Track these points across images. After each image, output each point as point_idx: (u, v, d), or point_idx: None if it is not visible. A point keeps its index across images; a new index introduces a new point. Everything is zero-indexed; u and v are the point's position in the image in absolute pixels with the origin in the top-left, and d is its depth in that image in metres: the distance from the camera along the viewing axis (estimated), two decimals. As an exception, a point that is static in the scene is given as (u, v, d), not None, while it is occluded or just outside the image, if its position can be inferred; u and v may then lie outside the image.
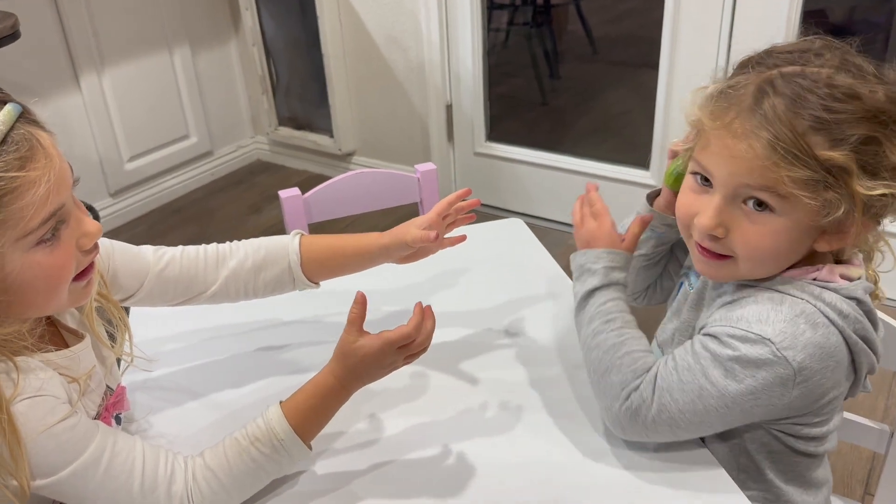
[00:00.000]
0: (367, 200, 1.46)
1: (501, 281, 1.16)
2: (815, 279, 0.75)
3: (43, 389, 0.68)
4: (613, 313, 0.82)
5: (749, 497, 0.75)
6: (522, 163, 2.56)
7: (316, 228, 1.41)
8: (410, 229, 0.93)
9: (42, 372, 0.69)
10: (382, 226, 1.00)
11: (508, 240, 1.31)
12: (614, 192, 2.40)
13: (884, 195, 0.68)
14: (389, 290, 1.13)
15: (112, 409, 0.81)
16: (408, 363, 0.80)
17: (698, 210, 0.74)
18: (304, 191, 1.31)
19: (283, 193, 1.37)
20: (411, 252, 0.95)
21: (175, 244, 0.93)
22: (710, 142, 0.73)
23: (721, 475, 0.77)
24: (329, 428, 0.79)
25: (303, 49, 2.83)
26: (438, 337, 0.99)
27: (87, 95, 2.46)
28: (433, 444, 0.84)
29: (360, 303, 0.78)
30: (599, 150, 2.56)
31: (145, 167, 2.70)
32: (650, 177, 2.33)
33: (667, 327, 0.91)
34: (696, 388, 0.73)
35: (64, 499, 0.71)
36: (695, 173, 0.76)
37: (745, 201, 0.72)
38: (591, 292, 0.84)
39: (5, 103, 0.64)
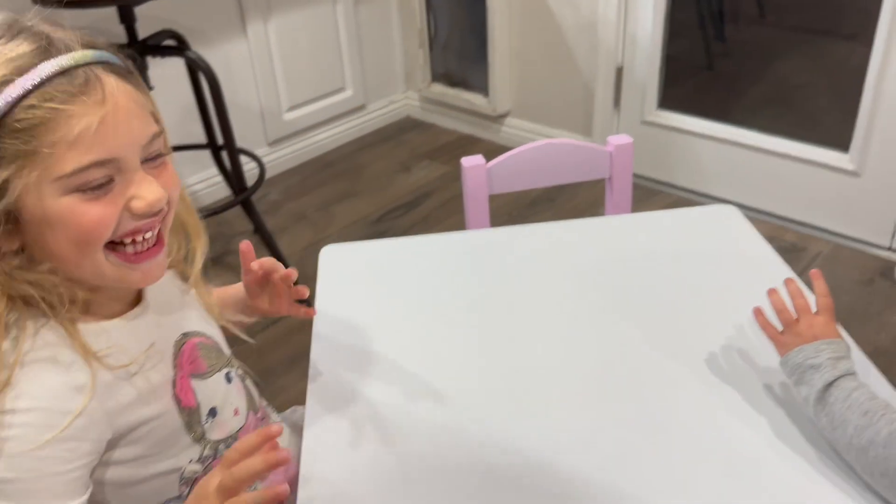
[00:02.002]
0: (551, 174, 1.34)
1: (715, 277, 1.02)
2: None
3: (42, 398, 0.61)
4: (866, 403, 0.71)
5: None
6: (694, 134, 2.35)
7: (495, 200, 1.32)
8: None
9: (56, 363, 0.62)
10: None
11: (719, 229, 1.16)
12: (801, 175, 2.16)
13: None
14: (555, 304, 1.02)
15: (188, 368, 0.74)
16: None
17: None
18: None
19: (466, 161, 1.28)
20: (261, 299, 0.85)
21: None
22: None
23: None
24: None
25: (465, 2, 2.72)
26: (630, 360, 0.88)
27: (253, 44, 2.46)
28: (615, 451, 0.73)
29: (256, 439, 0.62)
30: (777, 125, 2.30)
31: (302, 118, 2.70)
32: (849, 161, 2.06)
33: None
34: None
35: None
36: None
37: None
38: (827, 388, 0.73)
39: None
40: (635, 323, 0.93)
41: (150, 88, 1.87)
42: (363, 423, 0.80)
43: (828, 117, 2.14)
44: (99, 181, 0.61)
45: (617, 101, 2.46)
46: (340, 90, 2.80)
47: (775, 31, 3.62)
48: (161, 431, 0.70)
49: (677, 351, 0.88)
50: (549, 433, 0.78)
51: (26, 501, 0.60)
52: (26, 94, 0.58)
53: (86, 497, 0.63)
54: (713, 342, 0.88)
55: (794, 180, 2.17)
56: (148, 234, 0.66)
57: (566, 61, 2.52)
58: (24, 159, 0.58)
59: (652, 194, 2.45)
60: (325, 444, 0.77)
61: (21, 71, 0.58)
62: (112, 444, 0.66)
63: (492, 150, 2.72)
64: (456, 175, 2.63)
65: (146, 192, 0.63)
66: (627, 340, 0.90)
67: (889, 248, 2.06)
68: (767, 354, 0.84)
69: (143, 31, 1.82)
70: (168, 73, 1.99)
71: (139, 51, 1.74)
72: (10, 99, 0.57)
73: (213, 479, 0.61)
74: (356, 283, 1.06)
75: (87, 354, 0.64)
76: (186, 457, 0.72)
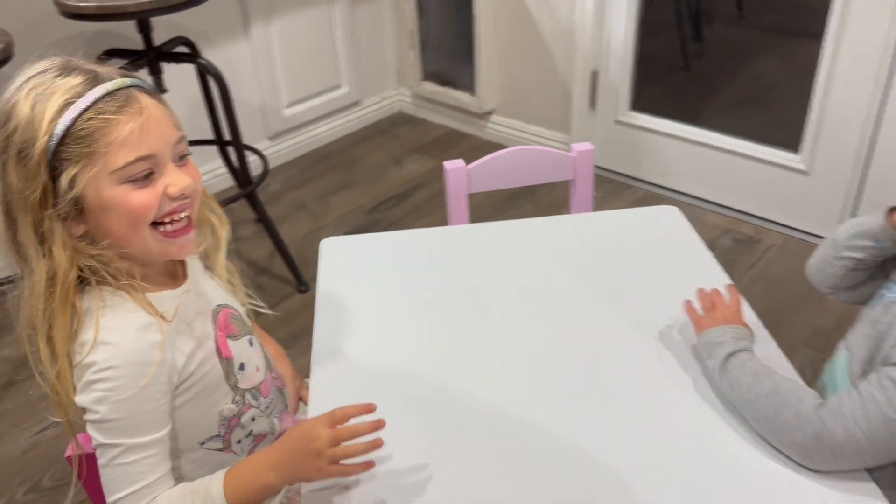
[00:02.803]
0: (524, 175, 1.54)
1: (657, 267, 1.21)
2: None
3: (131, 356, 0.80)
4: (757, 368, 0.90)
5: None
6: (662, 134, 2.55)
7: (473, 198, 1.51)
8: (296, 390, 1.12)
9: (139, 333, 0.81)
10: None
11: (663, 227, 1.35)
12: (757, 174, 2.36)
13: None
14: (526, 287, 1.22)
15: (224, 330, 0.93)
16: (339, 466, 0.80)
17: None
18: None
19: (448, 164, 1.47)
20: None
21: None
22: None
23: (871, 488, 0.82)
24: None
25: (453, 8, 2.89)
26: (586, 333, 1.08)
27: (256, 44, 2.64)
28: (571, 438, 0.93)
29: (359, 409, 0.82)
30: (745, 125, 2.50)
31: (301, 114, 2.88)
32: (799, 161, 2.27)
33: (858, 332, 0.95)
34: (883, 419, 0.79)
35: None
36: None
37: None
38: (727, 358, 0.92)
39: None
40: (591, 304, 1.13)
41: (165, 91, 2.05)
42: (360, 385, 1.00)
43: (793, 117, 2.31)
44: (143, 173, 0.79)
45: (593, 102, 2.66)
46: (337, 87, 2.99)
47: (752, 31, 3.75)
48: (208, 378, 0.89)
49: (624, 328, 1.08)
50: (522, 393, 0.97)
51: (133, 433, 0.80)
52: (85, 110, 0.76)
53: (170, 426, 0.84)
54: (654, 320, 1.08)
55: (751, 178, 2.38)
56: (182, 215, 0.84)
57: (546, 64, 2.71)
58: (87, 159, 0.77)
59: (623, 188, 2.65)
60: (327, 405, 0.95)
61: (79, 95, 0.77)
62: (175, 389, 0.85)
63: (478, 146, 2.94)
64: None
65: (178, 180, 0.82)
66: (585, 319, 1.10)
67: (835, 241, 2.27)
68: (692, 330, 1.04)
69: (158, 36, 2.00)
70: (179, 72, 2.16)
71: (154, 57, 1.92)
72: (74, 114, 0.76)
73: (319, 427, 0.80)
74: (352, 270, 1.25)
75: (156, 314, 0.83)
76: (224, 401, 0.92)
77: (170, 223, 0.84)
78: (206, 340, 0.90)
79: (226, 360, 0.92)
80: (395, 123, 3.20)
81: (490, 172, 1.51)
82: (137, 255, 0.84)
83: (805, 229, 2.32)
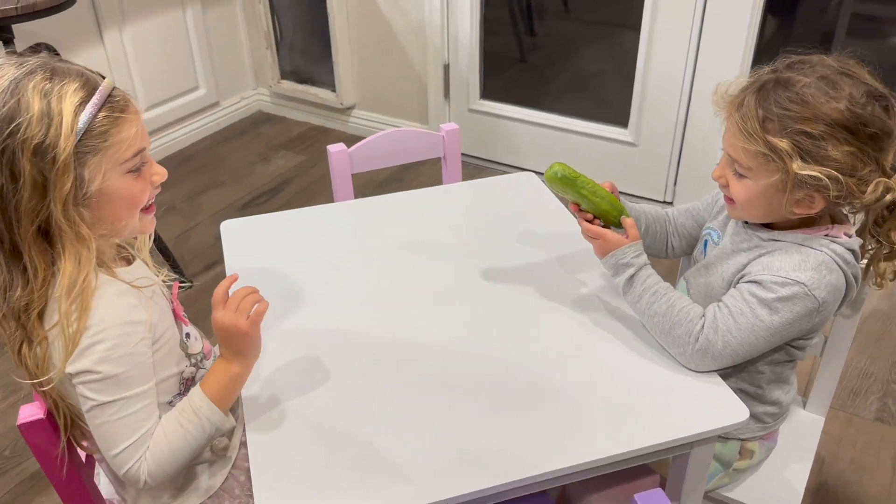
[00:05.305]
0: (399, 154, 1.71)
1: (521, 224, 1.43)
2: (826, 235, 1.00)
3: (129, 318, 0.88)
4: (655, 286, 1.05)
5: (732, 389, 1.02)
6: (511, 119, 2.82)
7: (356, 178, 1.66)
8: None
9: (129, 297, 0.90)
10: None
11: (523, 190, 1.57)
12: (594, 148, 2.68)
13: (817, 178, 0.92)
14: (416, 246, 1.40)
15: (177, 301, 1.05)
16: (250, 317, 0.92)
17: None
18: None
19: (332, 148, 1.62)
20: None
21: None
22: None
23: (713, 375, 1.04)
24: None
25: (307, 6, 3.01)
26: (470, 278, 1.26)
27: (110, 49, 2.62)
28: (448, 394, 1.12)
29: (225, 282, 0.95)
30: (579, 107, 2.79)
31: (159, 117, 2.88)
32: (628, 135, 2.60)
33: (693, 269, 1.17)
34: (750, 326, 0.98)
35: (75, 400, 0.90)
36: None
37: (734, 166, 1.01)
38: (632, 277, 1.07)
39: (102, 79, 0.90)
40: (467, 252, 1.32)
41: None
42: (283, 345, 1.13)
43: (617, 98, 2.63)
44: (140, 164, 0.90)
45: (447, 92, 2.88)
46: (194, 89, 3.01)
47: (578, 24, 4.14)
48: (171, 341, 0.98)
49: (497, 274, 1.27)
50: (420, 327, 1.14)
51: (131, 385, 0.88)
52: (100, 108, 0.84)
53: (155, 379, 0.92)
54: (523, 266, 1.29)
55: (588, 152, 2.69)
56: (154, 198, 0.96)
57: (402, 60, 2.90)
58: (104, 152, 0.85)
59: (480, 171, 2.89)
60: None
61: (89, 94, 0.84)
62: (153, 345, 0.93)
63: (341, 139, 3.07)
64: (312, 162, 2.94)
65: (159, 170, 0.95)
66: (468, 265, 1.29)
67: (663, 202, 2.63)
68: (560, 263, 1.26)
69: (16, 45, 1.97)
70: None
71: (16, 62, 1.89)
72: (92, 111, 0.83)
73: (219, 314, 0.91)
74: (253, 246, 1.36)
75: (130, 284, 0.92)
76: (182, 364, 1.01)
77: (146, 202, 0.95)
78: (166, 308, 1.00)
79: (180, 324, 1.02)
80: (256, 122, 3.26)
81: (370, 153, 1.66)
82: (122, 234, 0.94)
83: (637, 193, 2.66)
